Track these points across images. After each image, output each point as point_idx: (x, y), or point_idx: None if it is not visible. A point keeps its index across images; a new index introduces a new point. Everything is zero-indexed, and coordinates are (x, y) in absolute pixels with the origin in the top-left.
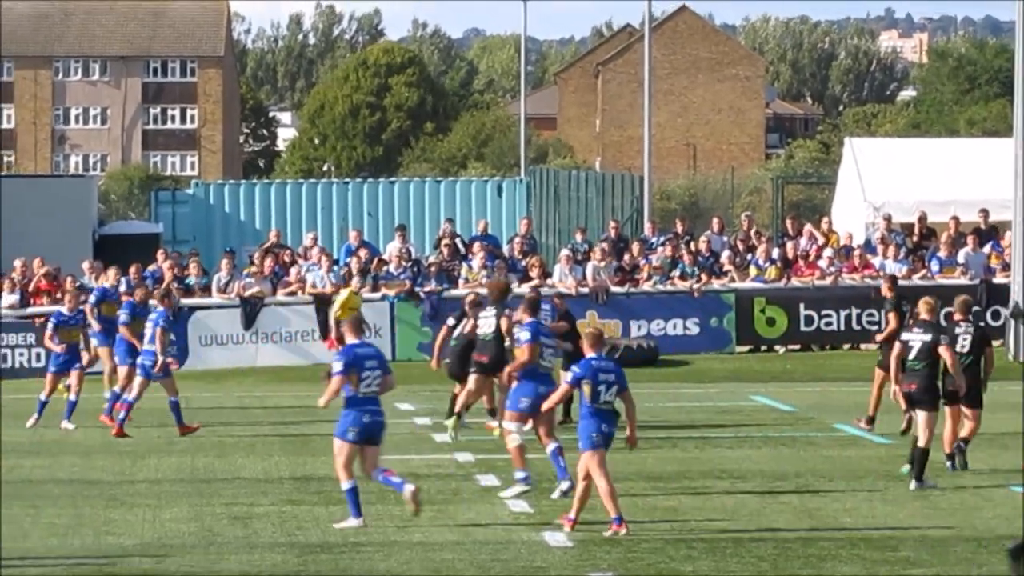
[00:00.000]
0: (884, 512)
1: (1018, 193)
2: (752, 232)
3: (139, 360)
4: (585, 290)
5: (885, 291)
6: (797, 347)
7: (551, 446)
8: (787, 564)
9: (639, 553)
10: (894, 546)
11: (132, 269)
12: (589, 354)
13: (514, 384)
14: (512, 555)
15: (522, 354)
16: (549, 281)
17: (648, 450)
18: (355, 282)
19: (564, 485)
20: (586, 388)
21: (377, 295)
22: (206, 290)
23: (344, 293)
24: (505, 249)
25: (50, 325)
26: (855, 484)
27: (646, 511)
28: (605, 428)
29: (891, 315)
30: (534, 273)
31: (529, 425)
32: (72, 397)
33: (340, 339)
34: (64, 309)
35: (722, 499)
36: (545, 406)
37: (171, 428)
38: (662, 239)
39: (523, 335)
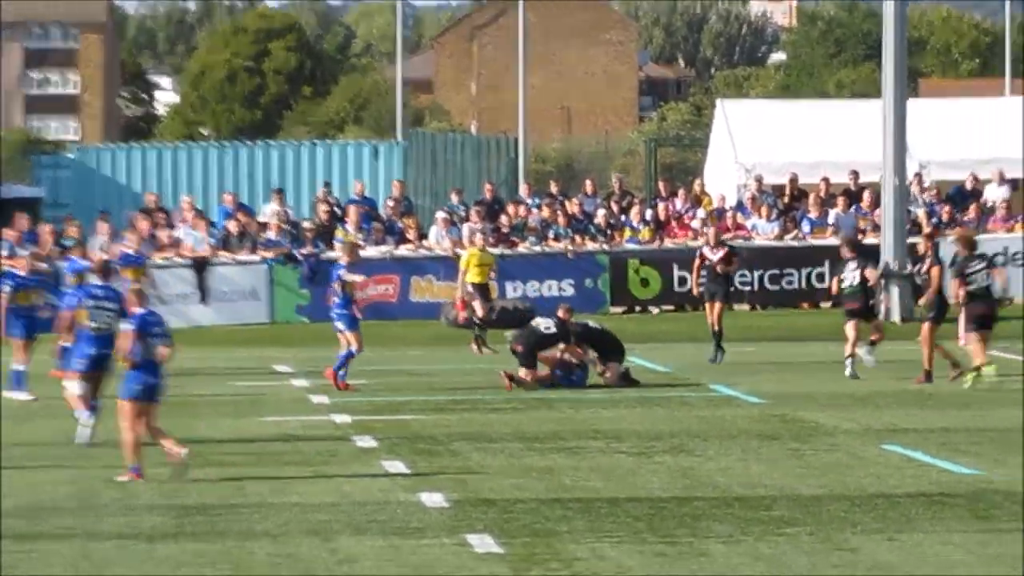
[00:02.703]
0: (758, 472)
1: (887, 154)
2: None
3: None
4: (462, 252)
5: (924, 247)
6: (671, 308)
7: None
8: (662, 524)
9: (515, 513)
10: (768, 505)
11: (13, 235)
12: (138, 310)
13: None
14: (388, 516)
15: (60, 319)
16: (426, 243)
17: (523, 411)
18: (479, 239)
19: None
20: (137, 342)
21: (255, 258)
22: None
23: (465, 254)
24: (381, 211)
25: (6, 290)
26: (729, 444)
27: (521, 471)
28: (151, 380)
29: (934, 270)
30: (411, 235)
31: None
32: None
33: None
34: (20, 271)
35: (597, 459)
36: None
37: (53, 393)
38: (537, 201)
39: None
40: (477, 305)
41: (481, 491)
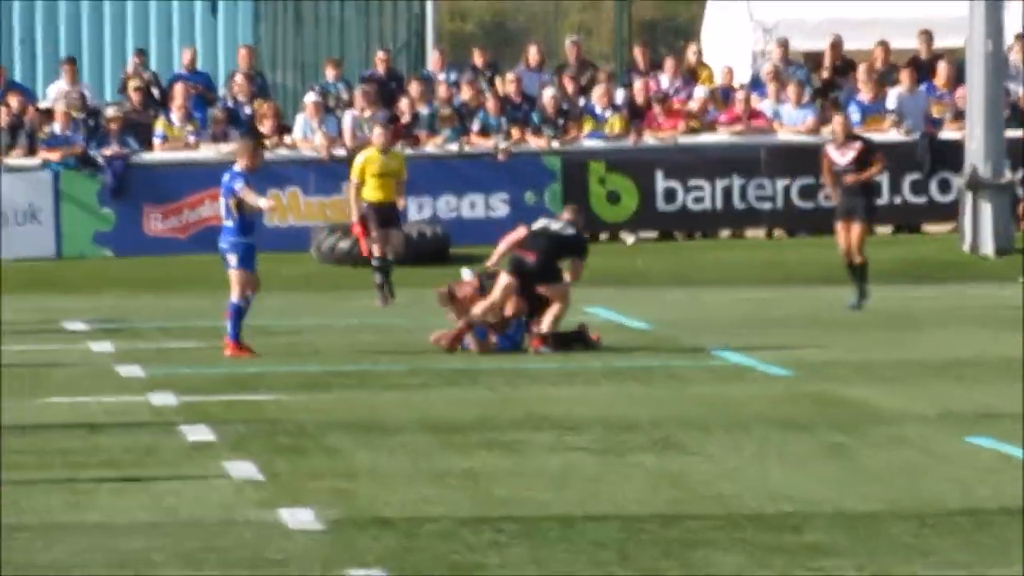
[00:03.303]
0: (781, 477)
1: (976, 7)
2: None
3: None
4: (342, 153)
5: None
6: (653, 235)
7: None
8: (639, 552)
9: (422, 539)
10: (796, 526)
11: None
12: None
13: None
14: (233, 542)
15: None
16: (288, 139)
17: (435, 387)
18: (379, 135)
19: None
20: None
21: (35, 161)
22: None
23: (360, 159)
24: (222, 92)
25: None
26: (740, 436)
27: (433, 477)
28: None
29: None
30: (265, 127)
31: None
32: None
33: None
34: None
35: (544, 459)
36: None
37: None
38: (454, 78)
39: None
40: (373, 237)
41: (372, 506)
